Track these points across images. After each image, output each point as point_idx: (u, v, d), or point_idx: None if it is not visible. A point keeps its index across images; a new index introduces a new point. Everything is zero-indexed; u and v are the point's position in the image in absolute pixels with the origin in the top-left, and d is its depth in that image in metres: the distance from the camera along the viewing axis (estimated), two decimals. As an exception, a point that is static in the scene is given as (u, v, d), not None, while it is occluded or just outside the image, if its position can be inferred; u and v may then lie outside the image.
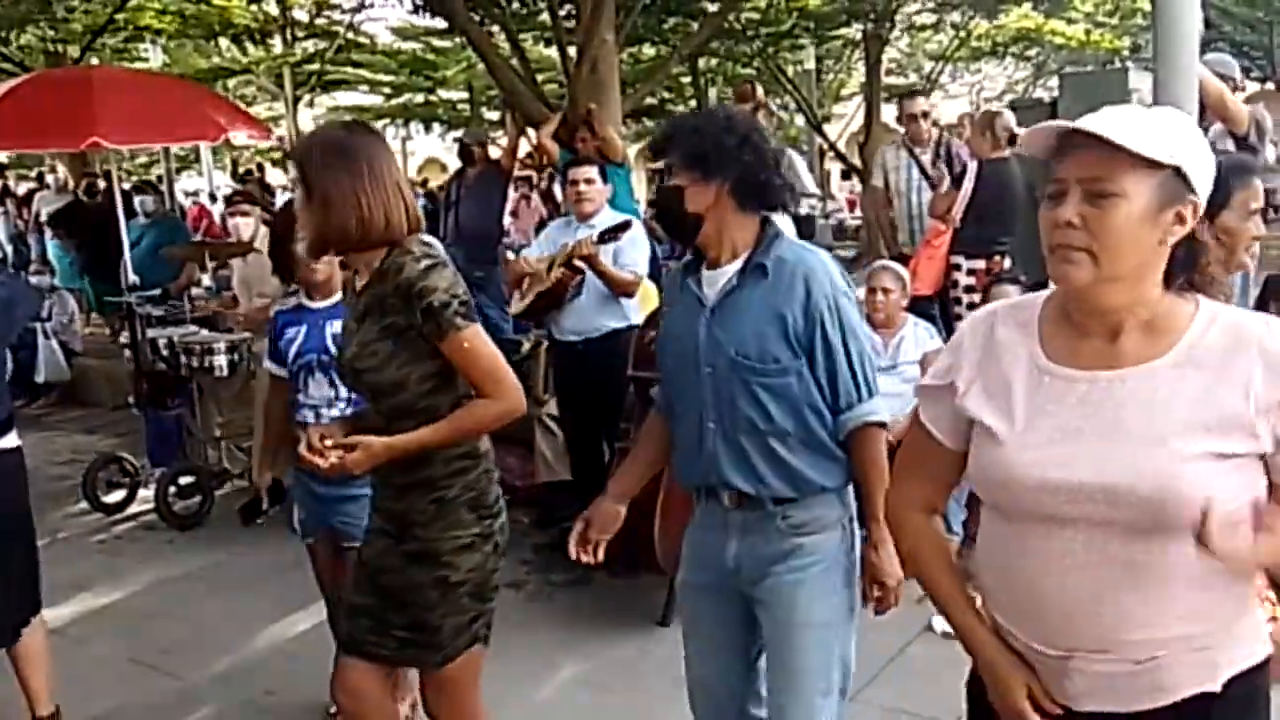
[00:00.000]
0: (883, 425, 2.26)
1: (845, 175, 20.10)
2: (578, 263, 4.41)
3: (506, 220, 14.34)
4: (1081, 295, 1.46)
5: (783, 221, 4.23)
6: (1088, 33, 14.73)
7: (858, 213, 16.56)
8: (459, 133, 12.15)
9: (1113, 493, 1.40)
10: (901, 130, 6.45)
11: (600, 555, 2.55)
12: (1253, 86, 22.50)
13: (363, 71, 19.54)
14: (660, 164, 2.34)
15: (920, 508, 1.73)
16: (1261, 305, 3.38)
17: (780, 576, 2.27)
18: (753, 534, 2.30)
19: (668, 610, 3.97)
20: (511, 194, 9.17)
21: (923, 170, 5.99)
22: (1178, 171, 1.41)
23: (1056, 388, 1.49)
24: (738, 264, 2.27)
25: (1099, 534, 1.43)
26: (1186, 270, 1.49)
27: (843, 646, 2.37)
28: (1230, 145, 4.77)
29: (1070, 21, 14.81)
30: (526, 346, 5.95)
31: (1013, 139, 5.38)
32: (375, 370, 2.31)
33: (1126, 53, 15.21)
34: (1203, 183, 1.44)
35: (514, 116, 7.61)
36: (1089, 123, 1.40)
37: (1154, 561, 1.42)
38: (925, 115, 6.10)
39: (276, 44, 16.69)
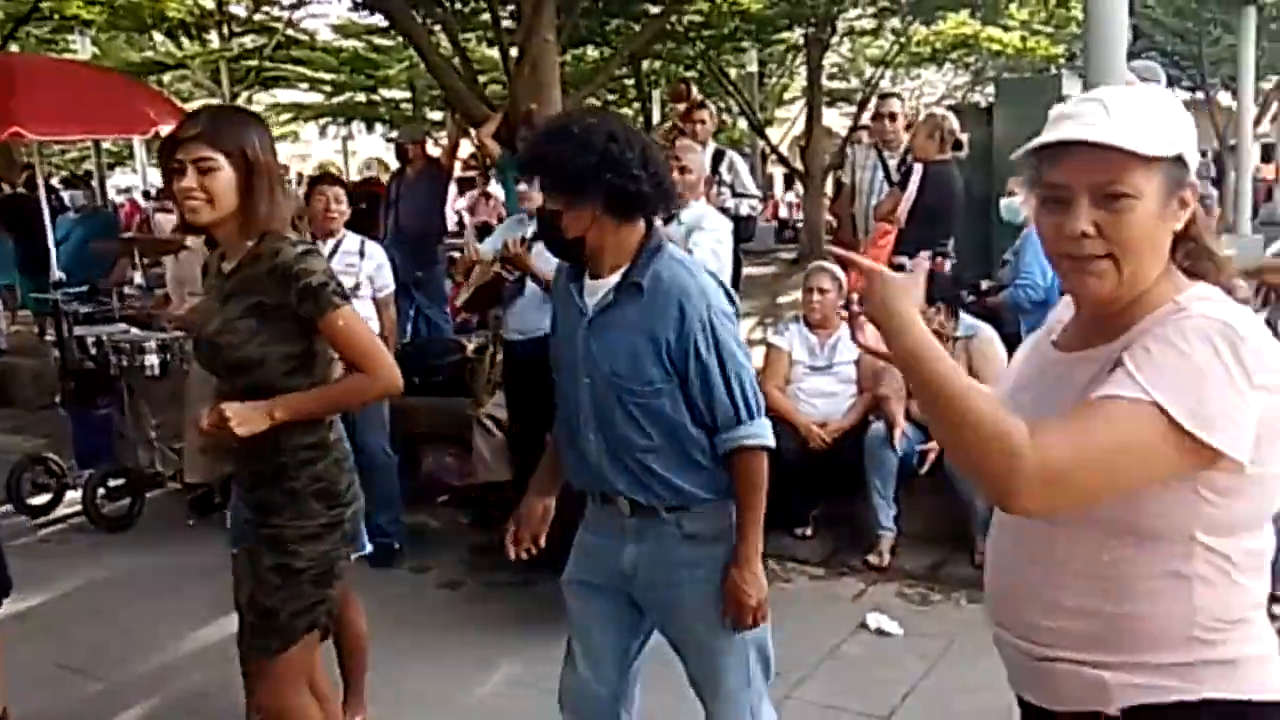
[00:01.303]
0: (763, 448, 2.24)
1: (788, 178, 20.28)
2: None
3: (465, 217, 14.45)
4: (1096, 302, 1.41)
5: (719, 221, 4.28)
6: (1023, 40, 14.99)
7: (800, 215, 16.70)
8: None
9: None
10: (863, 132, 6.51)
11: (535, 550, 2.56)
12: (1183, 95, 23.14)
13: (302, 69, 19.25)
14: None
15: None
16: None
17: (682, 584, 2.28)
18: (650, 541, 2.31)
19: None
20: (453, 192, 9.09)
21: (887, 172, 6.05)
22: (1178, 157, 1.36)
23: (1033, 366, 1.55)
24: (615, 278, 2.24)
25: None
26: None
27: (756, 640, 2.35)
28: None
29: (1006, 29, 15.07)
30: (472, 347, 5.90)
31: (957, 143, 5.46)
32: (235, 346, 2.33)
33: (1062, 60, 15.50)
34: (1194, 161, 1.39)
35: (454, 116, 7.55)
36: (1100, 134, 1.33)
37: (1058, 542, 1.42)
38: (894, 116, 6.17)
39: (213, 39, 16.38)
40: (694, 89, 4.23)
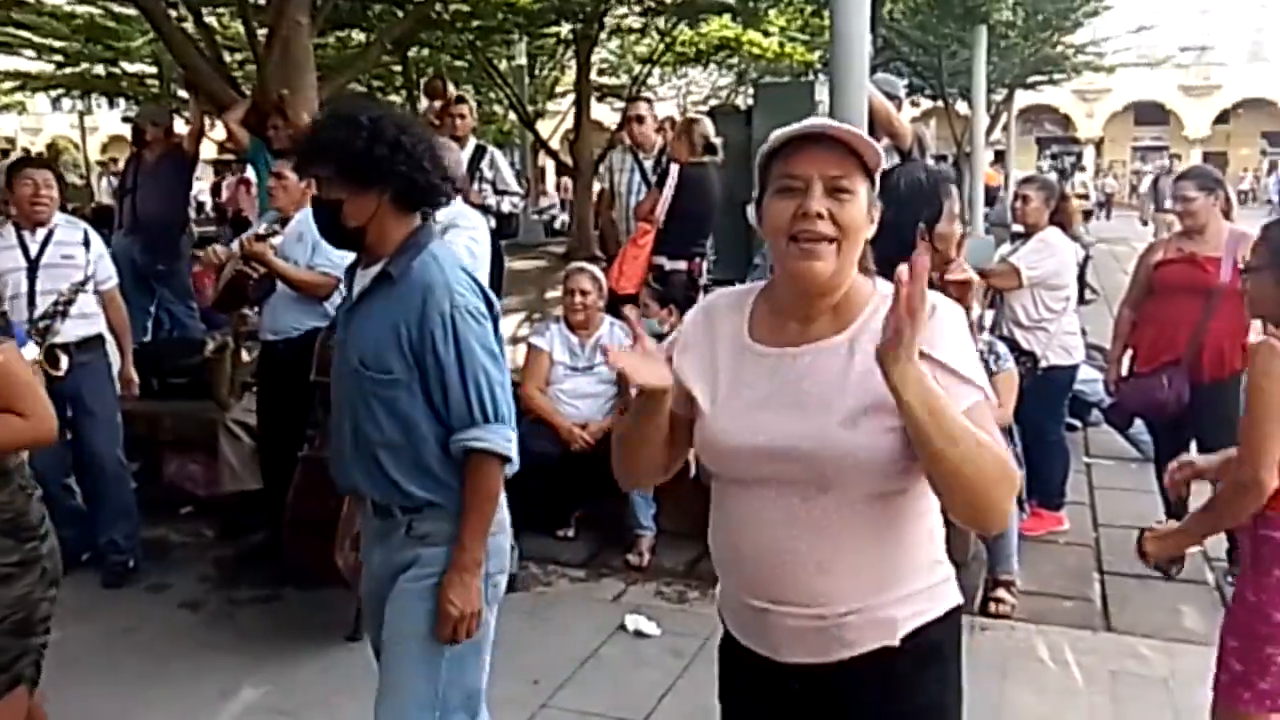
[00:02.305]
0: (494, 455, 2.20)
1: (559, 172, 20.31)
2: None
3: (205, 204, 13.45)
4: (817, 283, 1.57)
5: (474, 219, 4.18)
6: (781, 45, 15.56)
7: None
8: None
9: (793, 454, 1.56)
10: (623, 134, 6.53)
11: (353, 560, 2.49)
12: (925, 104, 24.77)
13: (27, 34, 17.54)
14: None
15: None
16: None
17: (400, 586, 2.24)
18: (388, 542, 2.28)
19: (358, 624, 3.79)
20: (196, 180, 8.50)
21: (644, 174, 6.10)
22: (873, 184, 1.61)
23: (752, 362, 1.65)
24: (377, 267, 2.23)
25: (786, 492, 1.58)
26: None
27: (458, 664, 2.26)
28: (896, 159, 5.16)
29: (766, 34, 15.59)
30: (211, 347, 5.54)
31: (709, 146, 5.57)
32: None
33: (819, 66, 16.22)
34: (876, 198, 1.63)
35: (196, 97, 7.06)
36: (834, 128, 1.57)
37: (830, 518, 1.58)
38: (641, 119, 6.22)
39: (-80, -2, 14.68)
40: (449, 85, 4.10)
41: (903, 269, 1.41)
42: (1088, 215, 24.86)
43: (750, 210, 1.69)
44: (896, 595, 1.63)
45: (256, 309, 4.57)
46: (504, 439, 2.22)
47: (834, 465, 1.55)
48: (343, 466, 2.32)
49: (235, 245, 4.49)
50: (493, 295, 2.32)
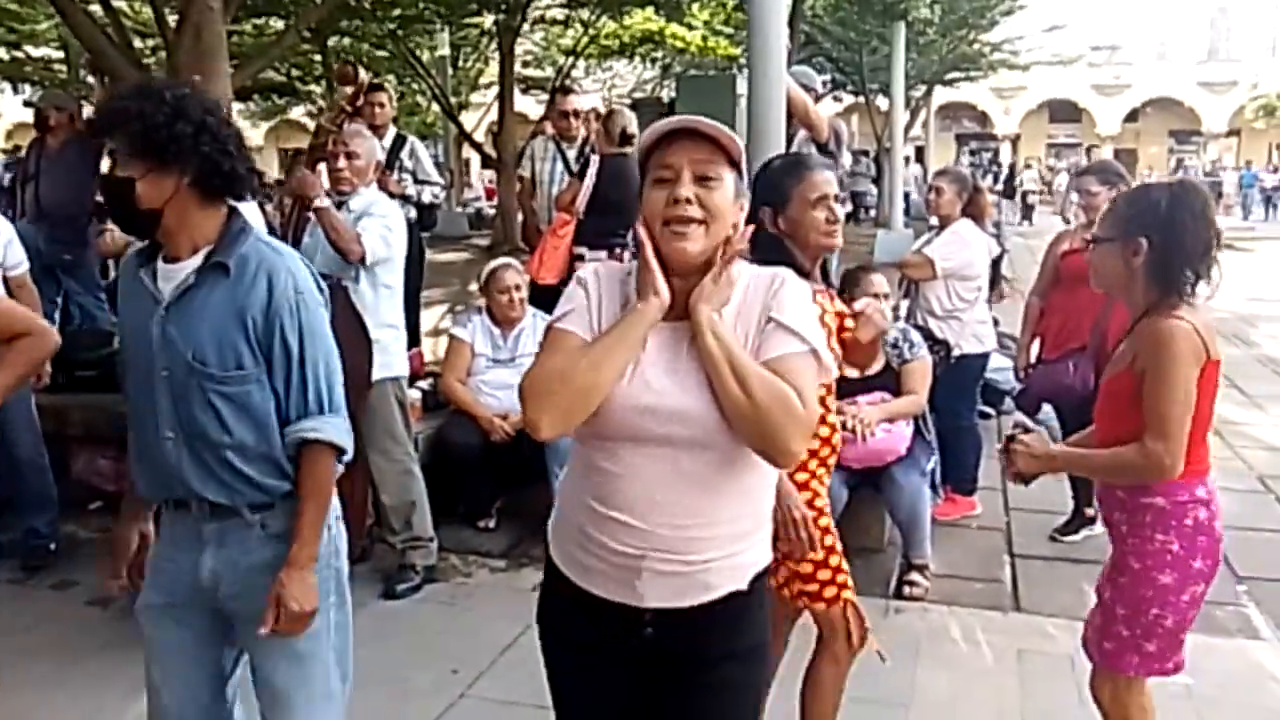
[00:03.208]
0: (330, 446, 2.13)
1: (485, 164, 20.18)
2: None
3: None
4: (687, 261, 1.74)
5: (389, 207, 4.13)
6: (705, 39, 15.66)
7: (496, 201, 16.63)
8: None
9: (685, 415, 1.71)
10: (547, 123, 6.52)
11: (133, 583, 2.32)
12: (847, 99, 25.11)
13: (-77, 17, 16.85)
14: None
15: None
16: (842, 295, 3.71)
17: (262, 588, 2.10)
18: (230, 545, 2.15)
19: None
20: (96, 169, 8.23)
21: (566, 163, 6.10)
22: (740, 174, 1.80)
23: (654, 340, 1.76)
24: (197, 260, 2.09)
25: (675, 450, 1.73)
26: (775, 256, 2.10)
27: (339, 650, 2.25)
28: (813, 150, 5.23)
29: (690, 28, 15.67)
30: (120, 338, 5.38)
31: (627, 137, 5.57)
32: None
33: (741, 61, 16.33)
34: (744, 188, 1.83)
35: (102, 82, 6.85)
36: (701, 123, 1.74)
37: (711, 474, 1.75)
38: (577, 114, 6.24)
39: None
40: (362, 71, 4.03)
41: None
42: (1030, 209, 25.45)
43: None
44: (750, 544, 1.84)
45: None
46: (342, 431, 2.15)
47: (718, 425, 1.70)
48: (157, 474, 2.14)
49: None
50: (324, 283, 2.22)
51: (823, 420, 2.54)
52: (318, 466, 2.13)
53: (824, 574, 2.65)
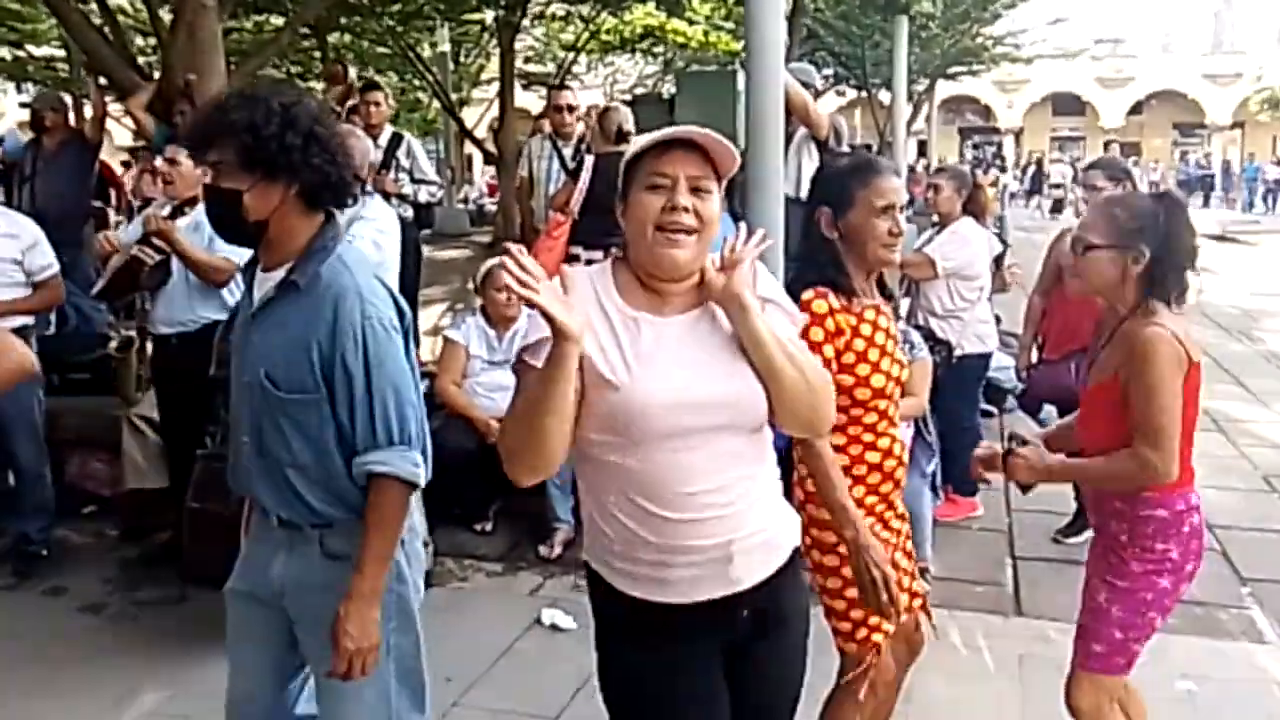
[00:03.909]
0: (398, 479, 2.06)
1: (487, 160, 20.13)
2: (157, 241, 4.00)
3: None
4: (679, 268, 1.78)
5: (381, 210, 4.08)
6: (706, 34, 15.60)
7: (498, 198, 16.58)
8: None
9: (715, 402, 1.75)
10: (546, 121, 6.46)
11: None
12: (850, 94, 25.02)
13: (-73, 17, 16.83)
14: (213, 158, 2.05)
15: None
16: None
17: (324, 607, 2.08)
18: (297, 556, 2.15)
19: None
20: (93, 170, 8.20)
21: (563, 162, 6.03)
22: (722, 182, 1.83)
23: (648, 329, 1.78)
24: (282, 273, 2.07)
25: (715, 437, 1.76)
26: (823, 264, 2.33)
27: (400, 673, 2.21)
28: (813, 148, 5.18)
29: (691, 23, 15.60)
30: (115, 343, 5.36)
31: (623, 135, 5.52)
32: None
33: (743, 56, 16.26)
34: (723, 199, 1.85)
35: (96, 82, 6.81)
36: (698, 135, 1.76)
37: (744, 446, 1.81)
38: (572, 109, 6.16)
39: None
40: (351, 71, 3.97)
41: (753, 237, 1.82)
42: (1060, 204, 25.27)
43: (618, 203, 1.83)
44: (781, 502, 1.94)
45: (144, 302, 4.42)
46: (411, 463, 2.08)
47: (751, 406, 1.78)
48: (242, 475, 2.18)
49: (132, 229, 4.34)
50: (405, 305, 2.18)
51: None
52: (383, 500, 2.07)
53: (857, 613, 2.47)
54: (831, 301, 2.37)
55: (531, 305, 1.60)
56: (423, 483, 2.12)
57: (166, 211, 4.12)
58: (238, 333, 2.19)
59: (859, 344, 2.37)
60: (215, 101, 2.16)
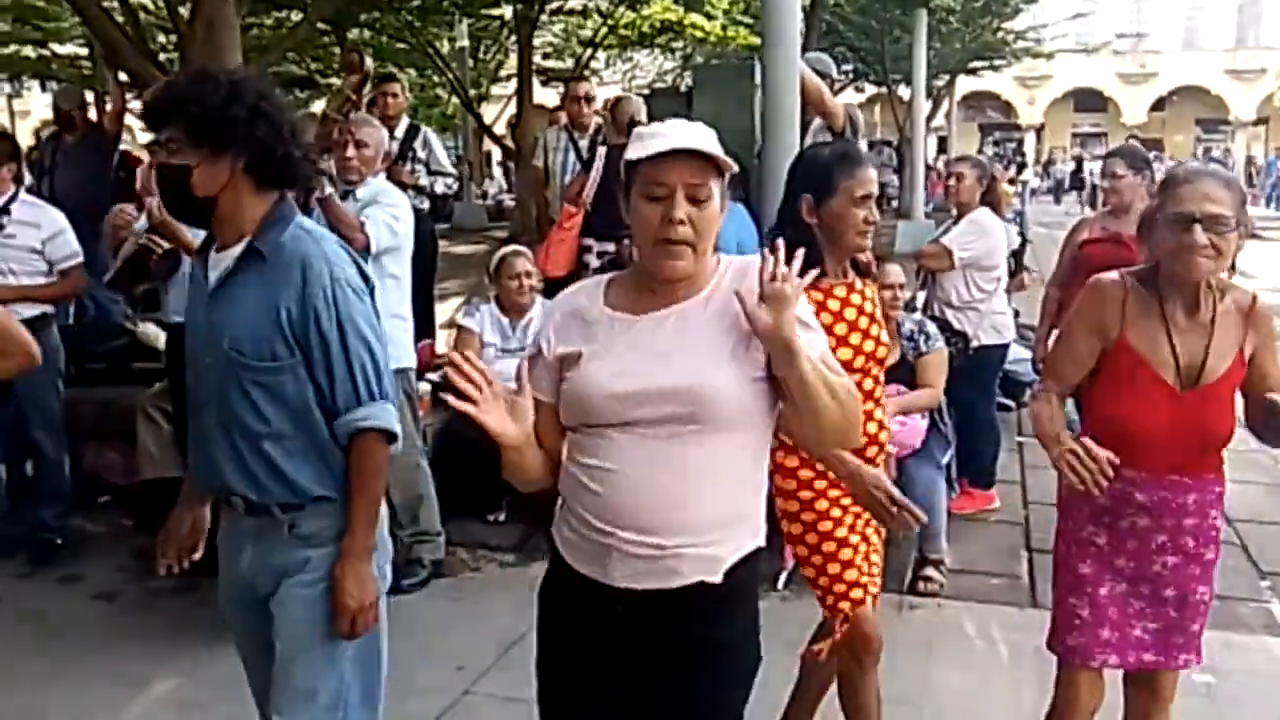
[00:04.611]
0: (382, 432, 2.10)
1: (505, 155, 20.15)
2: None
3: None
4: (678, 278, 1.78)
5: (396, 196, 4.08)
6: (724, 28, 15.56)
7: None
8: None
9: (668, 394, 1.73)
10: (563, 113, 6.45)
11: (186, 564, 2.31)
12: (869, 89, 24.90)
13: (-48, 16, 17.00)
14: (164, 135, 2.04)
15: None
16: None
17: (290, 590, 2.10)
18: (264, 542, 2.14)
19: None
20: (111, 163, 8.27)
21: (579, 154, 6.02)
22: (724, 175, 1.80)
23: (621, 327, 1.82)
24: (240, 247, 2.07)
25: (658, 430, 1.75)
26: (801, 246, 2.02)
27: (359, 664, 2.19)
28: (829, 138, 5.14)
29: (709, 17, 15.58)
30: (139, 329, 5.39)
31: (635, 126, 5.49)
32: None
33: (761, 48, 16.20)
34: (726, 190, 1.82)
35: (115, 77, 6.86)
36: (695, 143, 1.73)
37: (691, 456, 1.75)
38: (590, 99, 6.15)
39: None
40: (368, 60, 3.97)
41: (770, 254, 1.71)
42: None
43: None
44: (729, 535, 1.81)
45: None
46: (392, 416, 2.13)
47: (704, 400, 1.73)
48: (207, 465, 2.15)
49: (143, 220, 4.35)
50: (368, 270, 2.20)
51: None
52: (370, 454, 2.10)
53: (824, 580, 2.59)
54: None
55: (469, 417, 1.74)
56: (401, 436, 2.16)
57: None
58: (192, 319, 2.17)
59: (825, 318, 2.40)
60: (167, 80, 2.18)
